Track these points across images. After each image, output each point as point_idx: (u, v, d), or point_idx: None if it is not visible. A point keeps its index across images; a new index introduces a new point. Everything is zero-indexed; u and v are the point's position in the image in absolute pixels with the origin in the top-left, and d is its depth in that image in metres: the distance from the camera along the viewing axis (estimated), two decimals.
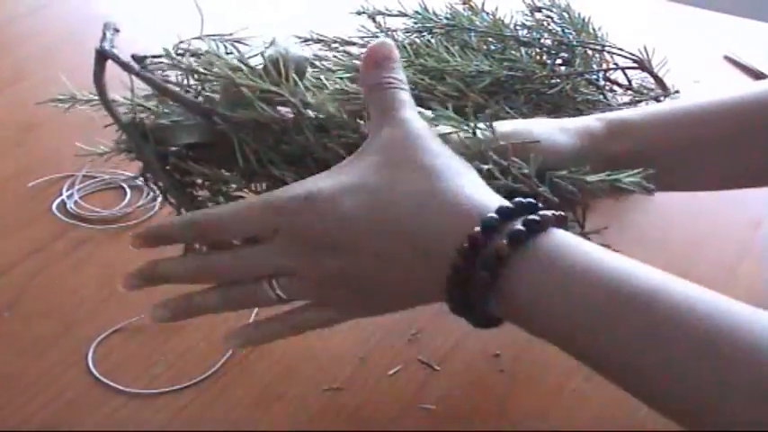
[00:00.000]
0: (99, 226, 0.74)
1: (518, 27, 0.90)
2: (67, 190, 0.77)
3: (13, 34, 1.04)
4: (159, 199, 0.76)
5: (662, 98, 0.90)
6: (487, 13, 0.92)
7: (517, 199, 0.44)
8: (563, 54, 0.88)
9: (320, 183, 0.45)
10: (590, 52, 0.88)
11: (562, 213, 0.44)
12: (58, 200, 0.76)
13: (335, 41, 0.96)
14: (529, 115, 0.80)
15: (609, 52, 0.90)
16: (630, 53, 0.89)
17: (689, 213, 0.78)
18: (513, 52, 0.86)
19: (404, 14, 0.94)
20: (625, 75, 0.90)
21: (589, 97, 0.86)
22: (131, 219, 0.75)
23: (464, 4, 0.95)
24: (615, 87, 0.90)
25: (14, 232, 0.74)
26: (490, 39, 0.89)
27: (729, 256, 0.73)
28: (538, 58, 0.87)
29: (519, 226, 0.42)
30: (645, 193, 0.53)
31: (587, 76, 0.87)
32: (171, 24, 1.07)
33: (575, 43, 0.88)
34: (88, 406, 0.59)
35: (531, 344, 0.58)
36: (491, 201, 0.44)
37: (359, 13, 0.97)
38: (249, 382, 0.61)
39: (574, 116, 0.83)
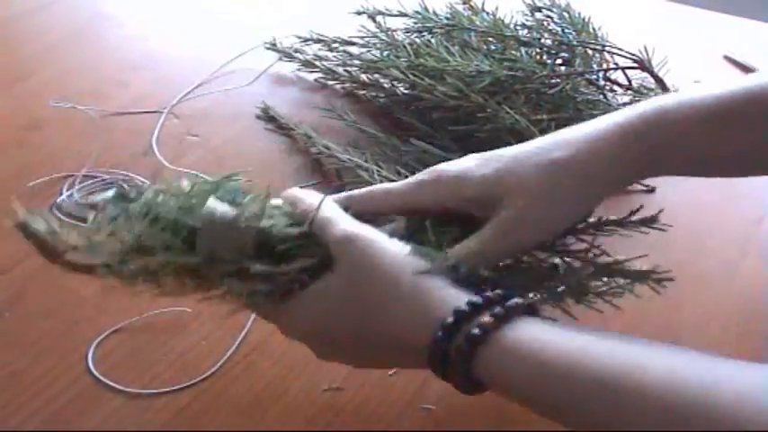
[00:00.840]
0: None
1: (518, 27, 0.90)
2: (67, 190, 0.77)
3: (19, 31, 1.04)
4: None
5: None
6: (487, 13, 0.92)
7: (465, 303, 0.45)
8: (563, 54, 0.88)
9: (314, 320, 0.50)
10: (590, 52, 0.88)
11: (527, 303, 0.45)
12: (58, 200, 0.76)
13: (335, 41, 0.96)
14: (529, 115, 0.80)
15: (609, 52, 0.90)
16: (630, 53, 0.89)
17: (691, 210, 0.78)
18: (513, 52, 0.86)
19: (404, 14, 0.94)
20: (625, 75, 0.90)
21: (589, 97, 0.86)
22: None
23: (464, 4, 0.95)
24: (615, 87, 0.90)
25: (14, 232, 0.73)
26: (490, 39, 0.89)
27: (732, 253, 0.73)
28: (538, 58, 0.87)
29: (462, 342, 0.44)
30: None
31: (587, 76, 0.87)
32: (176, 22, 1.08)
33: (575, 43, 0.88)
34: (88, 406, 0.59)
35: None
36: (440, 309, 0.46)
37: (359, 13, 0.97)
38: (249, 382, 0.61)
39: (574, 116, 0.84)
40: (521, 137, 0.78)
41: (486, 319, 0.44)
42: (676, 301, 0.67)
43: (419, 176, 0.55)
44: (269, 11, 1.11)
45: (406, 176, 0.71)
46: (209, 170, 0.59)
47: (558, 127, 0.80)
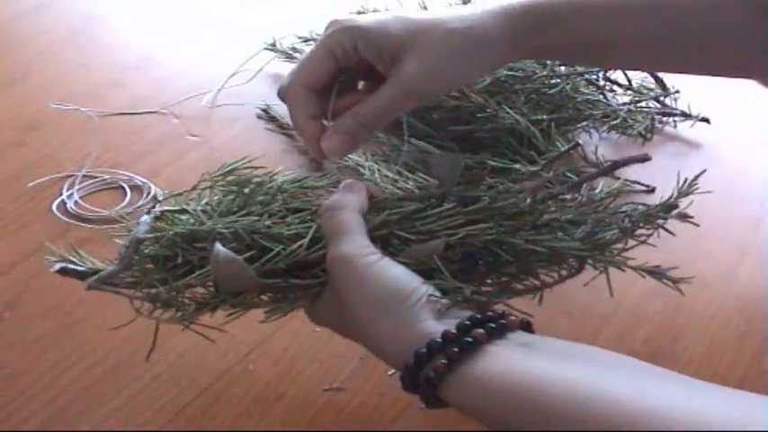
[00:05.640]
0: (99, 226, 0.74)
1: None
2: (67, 190, 0.77)
3: (14, 33, 1.04)
4: (159, 198, 0.76)
5: (662, 98, 0.90)
6: None
7: (425, 345, 0.46)
8: None
9: (326, 319, 0.55)
10: None
11: (487, 332, 0.46)
12: (58, 200, 0.76)
13: None
14: (529, 115, 0.80)
15: None
16: None
17: (691, 210, 0.78)
18: None
19: None
20: (625, 75, 0.90)
21: (589, 97, 0.86)
22: (131, 219, 0.74)
23: (464, 4, 0.95)
24: (615, 87, 0.90)
25: (14, 232, 0.74)
26: None
27: (730, 255, 0.73)
28: None
29: (423, 382, 0.46)
30: None
31: (587, 76, 0.87)
32: (171, 24, 1.08)
33: None
34: (88, 406, 0.59)
35: None
36: (415, 340, 0.47)
37: (359, 14, 0.97)
38: (249, 382, 0.61)
39: (574, 116, 0.84)
40: (521, 137, 0.79)
41: (438, 362, 0.45)
42: (676, 302, 0.67)
43: (329, 28, 0.59)
44: (270, 12, 1.11)
45: (407, 177, 0.71)
46: (210, 170, 0.59)
47: (558, 127, 0.81)
